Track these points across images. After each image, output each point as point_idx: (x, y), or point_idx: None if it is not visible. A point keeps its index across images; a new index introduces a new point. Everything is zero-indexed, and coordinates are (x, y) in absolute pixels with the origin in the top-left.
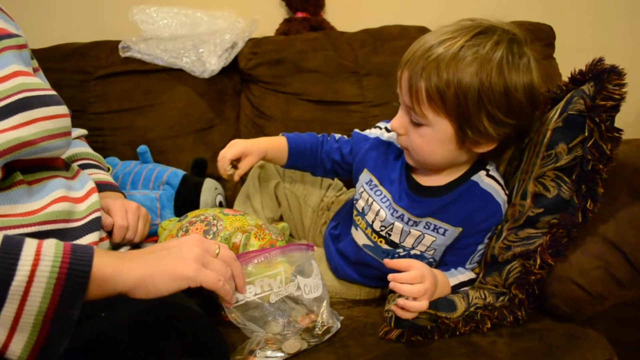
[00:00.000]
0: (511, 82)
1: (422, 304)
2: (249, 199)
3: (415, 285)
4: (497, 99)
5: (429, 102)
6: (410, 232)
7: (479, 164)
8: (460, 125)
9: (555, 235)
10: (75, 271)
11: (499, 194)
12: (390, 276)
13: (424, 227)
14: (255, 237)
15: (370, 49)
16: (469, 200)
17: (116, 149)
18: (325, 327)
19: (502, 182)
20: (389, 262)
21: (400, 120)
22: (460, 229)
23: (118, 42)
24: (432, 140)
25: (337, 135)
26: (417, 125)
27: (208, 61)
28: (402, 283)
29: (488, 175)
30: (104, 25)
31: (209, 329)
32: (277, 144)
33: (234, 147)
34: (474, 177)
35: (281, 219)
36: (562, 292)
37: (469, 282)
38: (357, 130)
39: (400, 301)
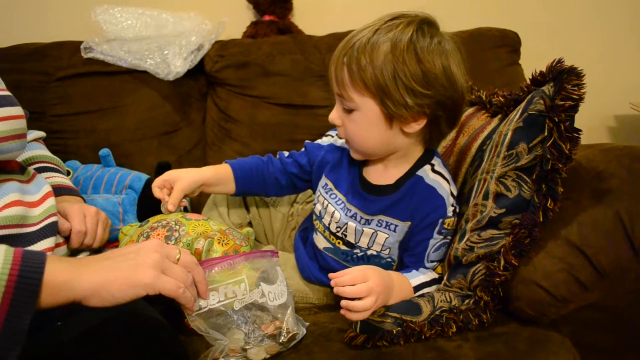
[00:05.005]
0: (423, 57)
1: (365, 302)
2: (215, 204)
3: (357, 286)
4: (412, 72)
5: (352, 86)
6: (363, 231)
7: (424, 158)
8: (382, 101)
9: (517, 235)
10: (25, 278)
11: (443, 188)
12: (332, 282)
13: (377, 224)
14: (219, 242)
15: None
16: (414, 194)
17: (78, 153)
18: (290, 335)
19: (448, 176)
20: (332, 275)
21: (335, 111)
22: (408, 223)
23: (80, 42)
24: (363, 123)
25: (287, 152)
26: (349, 112)
27: (173, 63)
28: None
29: (434, 170)
30: (65, 25)
31: (170, 338)
32: (219, 171)
33: (162, 175)
34: (419, 172)
35: (250, 225)
36: (526, 295)
37: (432, 282)
38: (308, 141)
39: (343, 302)
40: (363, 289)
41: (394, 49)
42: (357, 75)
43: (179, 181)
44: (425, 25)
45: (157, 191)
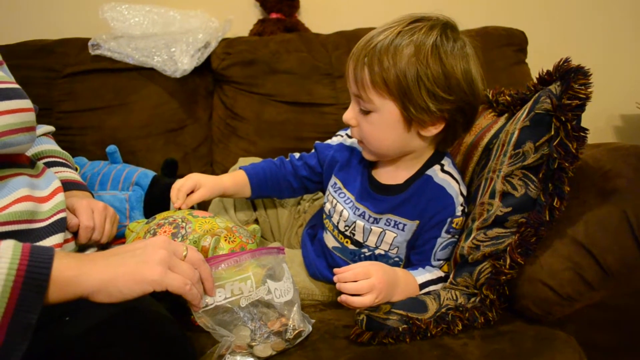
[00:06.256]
0: (447, 62)
1: (364, 300)
2: (222, 202)
3: (359, 282)
4: (435, 76)
5: (373, 87)
6: (371, 229)
7: (434, 158)
8: (403, 104)
9: (523, 234)
10: (33, 274)
11: (452, 187)
12: (335, 277)
13: (385, 223)
14: (225, 240)
15: (344, 51)
16: (423, 194)
17: (84, 149)
18: (296, 332)
19: (457, 176)
20: (337, 270)
21: (351, 111)
22: (417, 222)
23: (87, 39)
24: (381, 125)
25: (297, 155)
26: (366, 113)
27: (180, 60)
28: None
29: (443, 170)
30: (73, 22)
31: (177, 334)
32: (237, 179)
33: (189, 180)
34: (429, 172)
35: (256, 222)
36: (532, 294)
37: (438, 280)
38: (318, 142)
39: (342, 297)
40: (365, 285)
41: (418, 52)
42: (379, 76)
43: (203, 188)
44: (449, 29)
45: (182, 195)
